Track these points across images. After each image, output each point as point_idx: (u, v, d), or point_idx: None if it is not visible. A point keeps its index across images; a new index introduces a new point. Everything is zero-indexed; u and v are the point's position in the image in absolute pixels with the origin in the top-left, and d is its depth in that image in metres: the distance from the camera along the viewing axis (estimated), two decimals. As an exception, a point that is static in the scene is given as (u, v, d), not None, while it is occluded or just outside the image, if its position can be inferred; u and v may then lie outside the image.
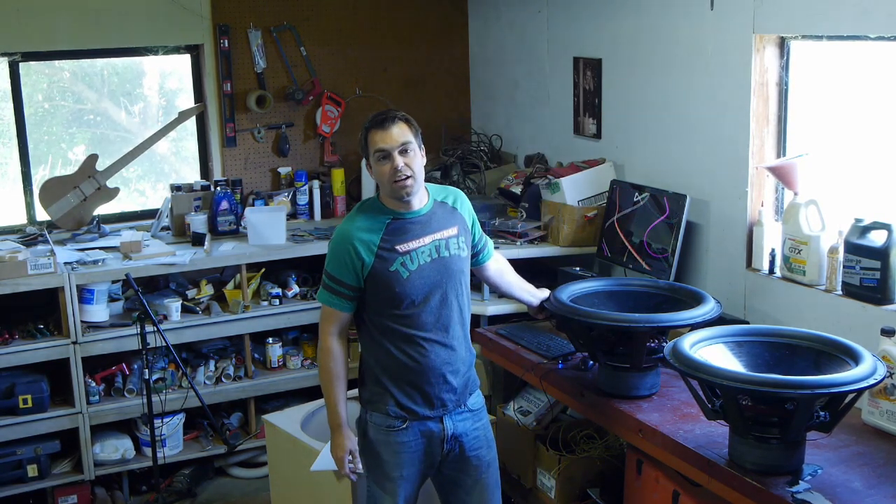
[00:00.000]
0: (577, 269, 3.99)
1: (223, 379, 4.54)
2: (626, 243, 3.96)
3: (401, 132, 2.68)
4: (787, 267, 3.34)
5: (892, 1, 2.87)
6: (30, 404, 4.11)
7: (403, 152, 2.68)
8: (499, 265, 3.13)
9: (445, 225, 2.81)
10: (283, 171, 5.14)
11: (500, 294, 3.30)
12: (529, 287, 3.21)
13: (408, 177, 2.68)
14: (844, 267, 3.12)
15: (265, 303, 4.59)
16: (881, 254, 2.98)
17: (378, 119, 2.70)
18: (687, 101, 3.79)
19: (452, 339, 2.81)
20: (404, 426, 2.79)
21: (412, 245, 2.73)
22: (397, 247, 2.71)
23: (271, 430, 3.62)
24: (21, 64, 4.66)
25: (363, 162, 5.13)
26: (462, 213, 2.88)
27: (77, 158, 4.90)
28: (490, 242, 3.08)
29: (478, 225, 2.97)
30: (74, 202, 4.70)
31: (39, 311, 4.33)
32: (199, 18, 4.86)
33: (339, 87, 5.24)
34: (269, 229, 4.59)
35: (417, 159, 2.71)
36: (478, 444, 2.90)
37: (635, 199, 3.95)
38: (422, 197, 2.79)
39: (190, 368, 4.54)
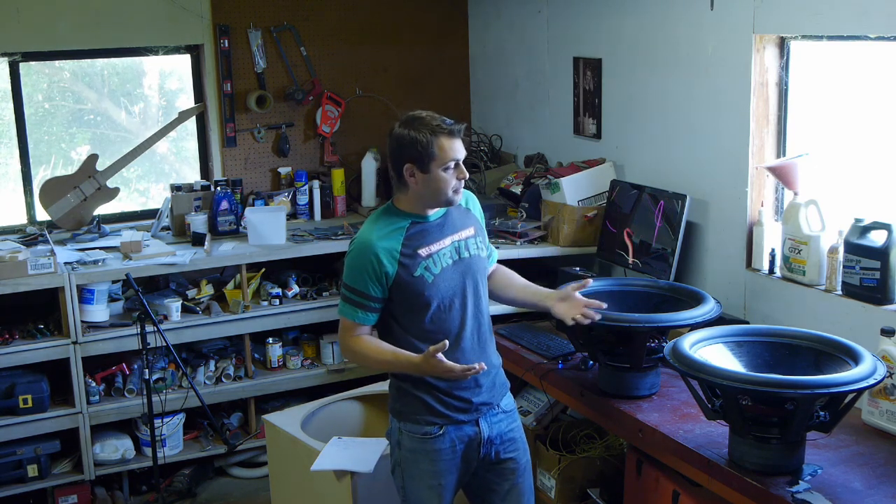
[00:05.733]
0: (577, 269, 3.99)
1: (223, 379, 4.54)
2: (627, 243, 3.96)
3: (463, 143, 2.68)
4: (787, 267, 3.34)
5: (892, 1, 2.87)
6: (30, 404, 4.11)
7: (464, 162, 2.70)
8: (504, 270, 3.02)
9: (462, 226, 2.78)
10: (283, 171, 5.14)
11: (503, 302, 3.03)
12: (539, 288, 3.00)
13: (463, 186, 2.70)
14: (844, 267, 3.11)
15: (265, 303, 4.59)
16: (881, 254, 2.98)
17: (447, 128, 2.63)
18: (687, 100, 3.79)
19: (479, 340, 2.76)
20: (440, 433, 2.72)
21: (434, 248, 2.69)
22: (419, 251, 2.67)
23: (271, 430, 3.62)
24: (21, 64, 4.66)
25: (362, 160, 5.21)
26: (475, 214, 2.86)
27: (80, 158, 4.90)
28: (494, 250, 3.00)
29: (485, 230, 2.91)
30: (74, 202, 4.70)
31: (39, 311, 4.33)
32: (199, 18, 4.86)
33: (339, 87, 5.24)
34: (269, 229, 4.59)
35: None
36: (513, 446, 2.84)
37: (635, 199, 3.95)
38: None
39: (190, 368, 4.54)
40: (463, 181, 2.67)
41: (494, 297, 2.98)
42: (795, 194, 3.30)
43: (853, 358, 2.54)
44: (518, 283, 2.99)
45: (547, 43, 4.76)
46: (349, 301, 2.70)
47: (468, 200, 2.86)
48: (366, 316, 2.69)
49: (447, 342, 2.56)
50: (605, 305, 2.87)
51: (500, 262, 3.05)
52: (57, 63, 4.93)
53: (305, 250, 4.59)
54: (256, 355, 4.71)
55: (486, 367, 2.58)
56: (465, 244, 2.76)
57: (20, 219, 4.80)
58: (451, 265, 2.70)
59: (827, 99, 3.36)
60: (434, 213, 2.73)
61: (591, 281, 2.94)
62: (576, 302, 2.85)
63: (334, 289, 4.72)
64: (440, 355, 2.53)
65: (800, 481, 2.51)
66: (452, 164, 2.63)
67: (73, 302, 4.12)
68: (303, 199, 5.07)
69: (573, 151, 4.57)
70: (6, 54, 4.56)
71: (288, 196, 5.05)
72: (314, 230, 4.81)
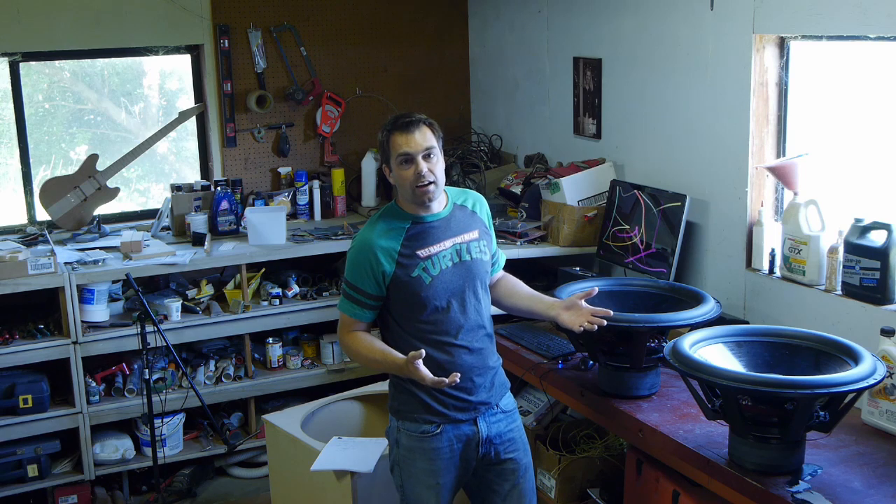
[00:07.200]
0: (577, 269, 3.99)
1: (223, 379, 4.54)
2: (626, 243, 3.96)
3: (424, 137, 2.65)
4: (786, 267, 3.34)
5: (892, 1, 2.87)
6: (30, 404, 4.11)
7: (427, 157, 2.65)
8: (509, 279, 3.01)
9: (466, 228, 2.77)
10: (283, 171, 5.14)
11: (507, 310, 3.02)
12: (546, 297, 2.98)
13: (430, 182, 2.65)
14: (844, 267, 3.11)
15: (265, 303, 4.59)
16: (881, 254, 2.98)
17: (401, 122, 2.66)
18: (687, 100, 3.79)
19: (477, 342, 2.76)
20: (438, 431, 2.72)
21: (433, 249, 2.69)
22: (418, 252, 2.68)
23: (271, 430, 3.62)
24: (21, 64, 4.66)
25: (362, 160, 5.21)
26: (481, 217, 2.84)
27: (80, 158, 4.90)
28: (502, 255, 2.99)
29: (493, 233, 2.90)
30: (75, 202, 4.70)
31: (39, 311, 4.33)
32: (199, 18, 4.86)
33: (339, 87, 5.24)
34: (269, 229, 4.59)
35: (440, 164, 2.68)
36: (513, 447, 2.84)
37: (635, 199, 3.95)
38: (441, 200, 2.76)
39: (190, 368, 4.54)
40: (423, 176, 2.62)
41: (498, 304, 2.99)
42: (795, 194, 3.30)
43: (853, 358, 2.54)
44: (523, 292, 2.97)
45: (547, 43, 4.76)
46: (348, 297, 2.73)
47: (476, 203, 2.85)
48: (362, 313, 2.72)
49: (423, 351, 2.57)
50: (611, 313, 2.84)
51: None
52: (57, 63, 4.93)
53: (305, 250, 4.59)
54: (256, 355, 4.71)
55: (457, 380, 2.58)
56: (467, 247, 2.75)
57: (20, 219, 4.80)
58: (450, 267, 2.71)
59: (827, 99, 3.36)
60: (434, 213, 2.73)
61: (596, 289, 2.91)
62: (583, 310, 2.83)
63: (334, 289, 4.72)
64: (419, 363, 2.56)
65: (800, 481, 2.51)
66: (403, 159, 2.64)
67: (73, 302, 4.12)
68: (303, 199, 5.07)
69: (573, 151, 4.57)
70: (6, 54, 4.57)
71: (288, 196, 5.05)
72: (314, 230, 4.81)
